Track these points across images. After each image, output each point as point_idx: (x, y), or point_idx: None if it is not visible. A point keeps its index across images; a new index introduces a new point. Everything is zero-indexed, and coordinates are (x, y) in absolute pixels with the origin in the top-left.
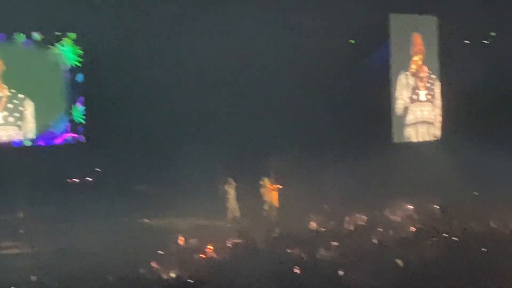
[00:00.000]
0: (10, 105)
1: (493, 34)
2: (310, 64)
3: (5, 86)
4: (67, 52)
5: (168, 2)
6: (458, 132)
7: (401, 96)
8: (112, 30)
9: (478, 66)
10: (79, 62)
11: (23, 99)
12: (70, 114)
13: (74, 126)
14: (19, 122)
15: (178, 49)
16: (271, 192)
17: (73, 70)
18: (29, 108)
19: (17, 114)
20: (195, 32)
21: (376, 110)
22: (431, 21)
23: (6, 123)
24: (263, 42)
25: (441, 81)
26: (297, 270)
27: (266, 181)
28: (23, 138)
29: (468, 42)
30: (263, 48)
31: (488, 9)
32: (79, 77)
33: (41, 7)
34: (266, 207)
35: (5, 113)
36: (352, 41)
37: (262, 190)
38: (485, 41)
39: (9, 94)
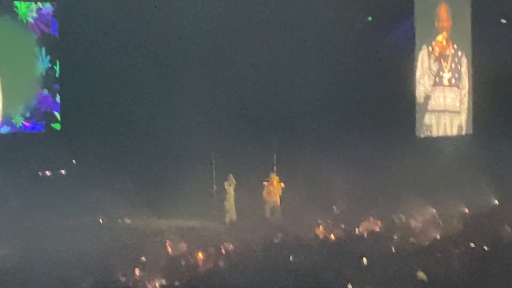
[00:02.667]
0: None
1: None
2: (321, 48)
3: None
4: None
5: None
6: (489, 124)
7: (422, 80)
8: (90, 12)
9: None
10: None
11: None
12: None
13: (47, 112)
14: None
15: (167, 32)
16: (274, 192)
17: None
18: None
19: None
20: (182, 14)
21: (396, 99)
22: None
23: None
24: (269, 25)
25: (471, 60)
26: (300, 282)
27: (270, 178)
28: None
29: (504, 21)
30: (270, 31)
31: None
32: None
33: None
34: (267, 208)
35: None
36: (370, 18)
37: (264, 189)
38: None
39: None
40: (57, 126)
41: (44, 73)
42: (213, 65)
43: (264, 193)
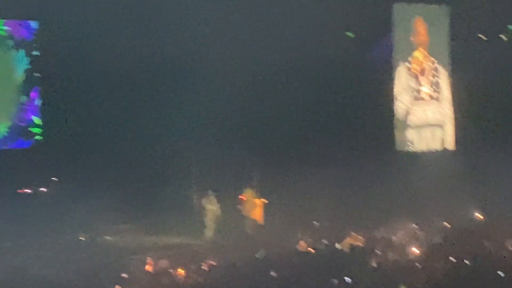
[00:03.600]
0: None
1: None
2: (301, 61)
3: None
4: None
5: None
6: (470, 137)
7: (401, 95)
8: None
9: (495, 61)
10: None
11: None
12: (24, 112)
13: (27, 128)
14: None
15: (148, 46)
16: (255, 207)
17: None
18: None
19: None
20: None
21: (376, 113)
22: (441, 10)
23: None
24: (250, 40)
25: (450, 74)
26: None
27: (248, 194)
28: None
29: (483, 37)
30: (251, 45)
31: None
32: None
33: None
34: (248, 224)
35: None
36: (350, 34)
37: (244, 204)
38: (502, 37)
39: None
40: (37, 130)
41: (24, 78)
42: (193, 80)
43: (245, 210)
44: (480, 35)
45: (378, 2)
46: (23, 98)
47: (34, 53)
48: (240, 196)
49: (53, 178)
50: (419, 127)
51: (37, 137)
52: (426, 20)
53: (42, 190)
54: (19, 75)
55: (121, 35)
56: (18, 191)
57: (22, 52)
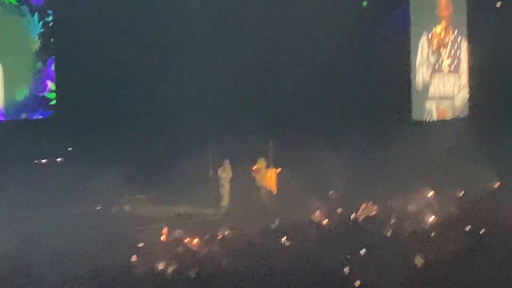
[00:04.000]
0: None
1: None
2: (318, 31)
3: None
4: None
5: None
6: (486, 108)
7: (421, 67)
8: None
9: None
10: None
11: None
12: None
13: (43, 99)
14: None
15: (166, 22)
16: (268, 177)
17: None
18: None
19: None
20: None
21: (392, 83)
22: None
23: None
24: (264, 12)
25: (469, 45)
26: (297, 267)
27: (262, 164)
28: None
29: (497, 8)
30: (264, 19)
31: None
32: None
33: None
34: (262, 193)
35: None
36: (365, 3)
37: (259, 174)
38: None
39: None
40: (51, 96)
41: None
42: (210, 57)
43: (259, 179)
44: (496, 6)
45: None
46: (39, 65)
47: (48, 19)
48: (252, 167)
49: (69, 149)
50: (438, 98)
51: (52, 102)
52: None
53: (58, 160)
54: (35, 41)
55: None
56: (35, 161)
57: (36, 17)
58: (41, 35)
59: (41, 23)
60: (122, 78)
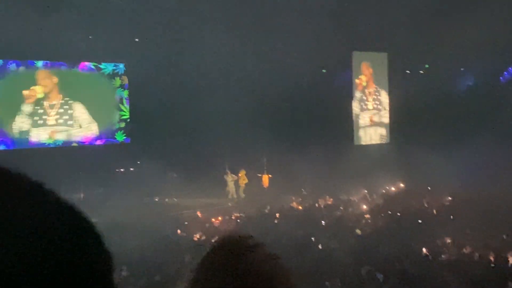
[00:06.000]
0: (64, 111)
1: (427, 66)
2: (296, 86)
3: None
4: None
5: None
6: (401, 136)
7: (355, 107)
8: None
9: (416, 87)
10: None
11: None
12: (117, 120)
13: (118, 129)
14: (73, 124)
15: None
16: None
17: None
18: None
19: (69, 120)
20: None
21: (342, 118)
22: (381, 56)
23: (61, 124)
24: (259, 67)
25: (387, 94)
26: (282, 236)
27: (243, 172)
28: (80, 139)
29: (409, 71)
30: (260, 71)
31: (424, 48)
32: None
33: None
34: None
35: (65, 117)
36: (324, 70)
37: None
38: (421, 71)
39: (62, 101)
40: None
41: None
42: (227, 91)
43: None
44: (407, 71)
45: (343, 49)
46: (118, 105)
47: (125, 82)
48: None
49: (138, 162)
50: (365, 127)
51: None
52: (371, 62)
53: (131, 170)
54: (117, 91)
55: (184, 70)
56: (116, 170)
57: (118, 81)
58: (120, 86)
59: (120, 79)
60: (172, 112)
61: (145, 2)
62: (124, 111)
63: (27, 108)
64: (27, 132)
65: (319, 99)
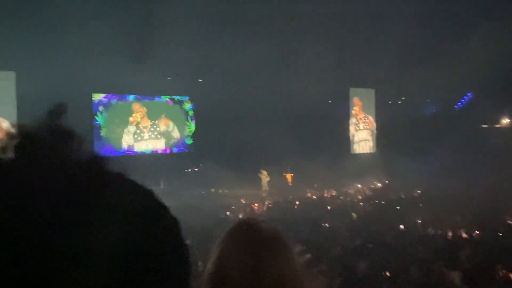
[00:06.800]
0: (154, 129)
1: (403, 98)
2: (311, 112)
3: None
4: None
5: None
6: (386, 147)
7: (351, 127)
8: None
9: (395, 113)
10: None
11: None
12: (185, 135)
13: (187, 142)
14: (158, 138)
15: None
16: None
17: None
18: (164, 132)
19: (158, 135)
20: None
21: (342, 135)
22: (369, 91)
23: (152, 138)
24: (286, 99)
25: (374, 118)
26: (300, 217)
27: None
28: (163, 148)
29: (390, 102)
30: (286, 102)
31: (401, 85)
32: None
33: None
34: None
35: (156, 133)
36: (330, 101)
37: (286, 176)
38: (399, 102)
39: (151, 123)
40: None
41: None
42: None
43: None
44: (389, 101)
45: (344, 86)
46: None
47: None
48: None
49: (200, 164)
50: (359, 141)
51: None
52: (361, 96)
53: (195, 170)
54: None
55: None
56: (185, 170)
57: (188, 106)
58: (190, 110)
59: (190, 105)
60: (223, 128)
61: (207, 50)
62: (190, 126)
63: (131, 129)
64: (132, 145)
65: (326, 121)
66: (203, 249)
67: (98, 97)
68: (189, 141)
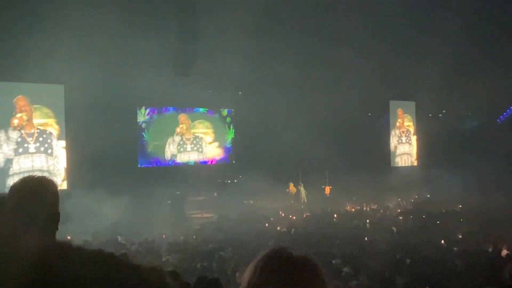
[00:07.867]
0: (196, 142)
1: (444, 111)
2: (351, 125)
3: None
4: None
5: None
6: (426, 161)
7: (393, 142)
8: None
9: (436, 126)
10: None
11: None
12: (226, 146)
13: (227, 153)
14: (200, 150)
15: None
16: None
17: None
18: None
19: (199, 148)
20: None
21: (382, 148)
22: (410, 104)
23: (194, 150)
24: (328, 114)
25: (416, 129)
26: (339, 229)
27: (293, 185)
28: (205, 160)
29: (431, 115)
30: (327, 118)
31: (442, 98)
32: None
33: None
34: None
35: (198, 146)
36: (370, 114)
37: (324, 188)
38: (440, 115)
39: (194, 136)
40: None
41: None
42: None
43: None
44: (430, 114)
45: (383, 99)
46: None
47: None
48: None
49: (240, 176)
50: (401, 155)
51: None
52: (403, 108)
53: (234, 181)
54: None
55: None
56: (224, 181)
57: (228, 119)
58: (231, 123)
59: (230, 119)
60: (262, 142)
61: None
62: (231, 134)
63: (177, 139)
64: (175, 155)
65: (366, 134)
66: (242, 261)
67: (143, 111)
68: (229, 153)
